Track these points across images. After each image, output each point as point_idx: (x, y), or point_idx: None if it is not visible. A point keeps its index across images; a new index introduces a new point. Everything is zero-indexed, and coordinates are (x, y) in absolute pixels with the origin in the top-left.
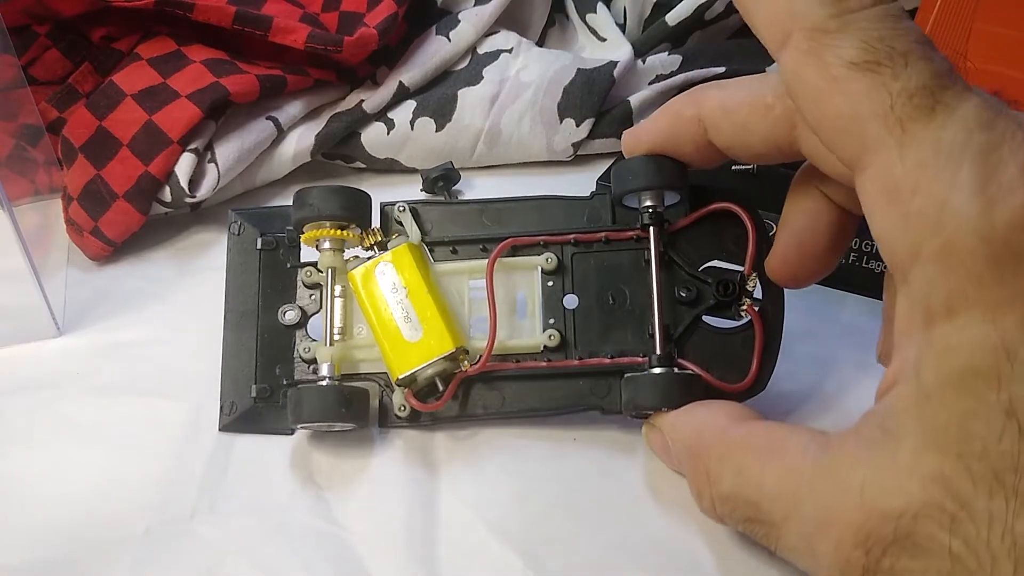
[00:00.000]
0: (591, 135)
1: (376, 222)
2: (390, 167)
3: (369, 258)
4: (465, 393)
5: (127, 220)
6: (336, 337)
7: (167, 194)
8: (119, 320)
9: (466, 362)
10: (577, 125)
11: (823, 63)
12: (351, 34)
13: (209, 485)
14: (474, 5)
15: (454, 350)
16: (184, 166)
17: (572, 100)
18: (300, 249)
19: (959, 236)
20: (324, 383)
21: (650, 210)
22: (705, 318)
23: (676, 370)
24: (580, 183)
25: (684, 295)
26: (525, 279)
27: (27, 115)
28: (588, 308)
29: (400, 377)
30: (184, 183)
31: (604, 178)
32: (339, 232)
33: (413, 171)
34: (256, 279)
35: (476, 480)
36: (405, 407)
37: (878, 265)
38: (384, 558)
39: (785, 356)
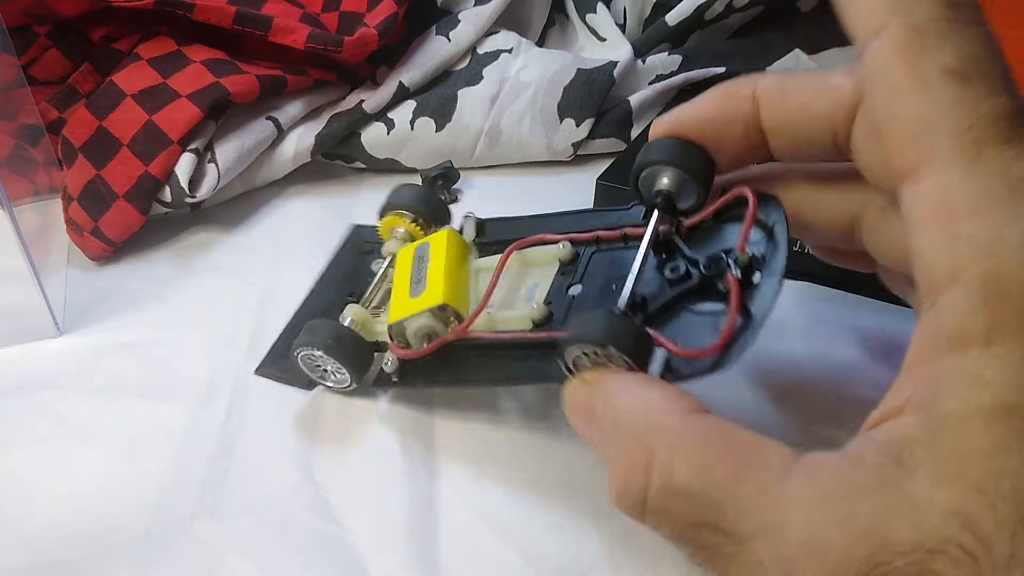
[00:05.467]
0: (591, 135)
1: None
2: (390, 167)
3: None
4: (450, 357)
5: (127, 220)
6: (370, 306)
7: (167, 194)
8: (119, 320)
9: (455, 325)
10: (577, 125)
11: (916, 62)
12: (351, 34)
13: (209, 485)
14: (474, 5)
15: (441, 303)
16: (184, 166)
17: (572, 100)
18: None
19: (1011, 267)
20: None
21: (663, 192)
22: (697, 307)
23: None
24: (580, 183)
25: (671, 274)
26: (542, 271)
27: (27, 115)
28: (588, 295)
29: (390, 324)
30: (184, 183)
31: (604, 177)
32: (411, 224)
33: (413, 171)
34: (343, 271)
35: (476, 480)
36: (391, 361)
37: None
38: (384, 558)
39: (785, 356)
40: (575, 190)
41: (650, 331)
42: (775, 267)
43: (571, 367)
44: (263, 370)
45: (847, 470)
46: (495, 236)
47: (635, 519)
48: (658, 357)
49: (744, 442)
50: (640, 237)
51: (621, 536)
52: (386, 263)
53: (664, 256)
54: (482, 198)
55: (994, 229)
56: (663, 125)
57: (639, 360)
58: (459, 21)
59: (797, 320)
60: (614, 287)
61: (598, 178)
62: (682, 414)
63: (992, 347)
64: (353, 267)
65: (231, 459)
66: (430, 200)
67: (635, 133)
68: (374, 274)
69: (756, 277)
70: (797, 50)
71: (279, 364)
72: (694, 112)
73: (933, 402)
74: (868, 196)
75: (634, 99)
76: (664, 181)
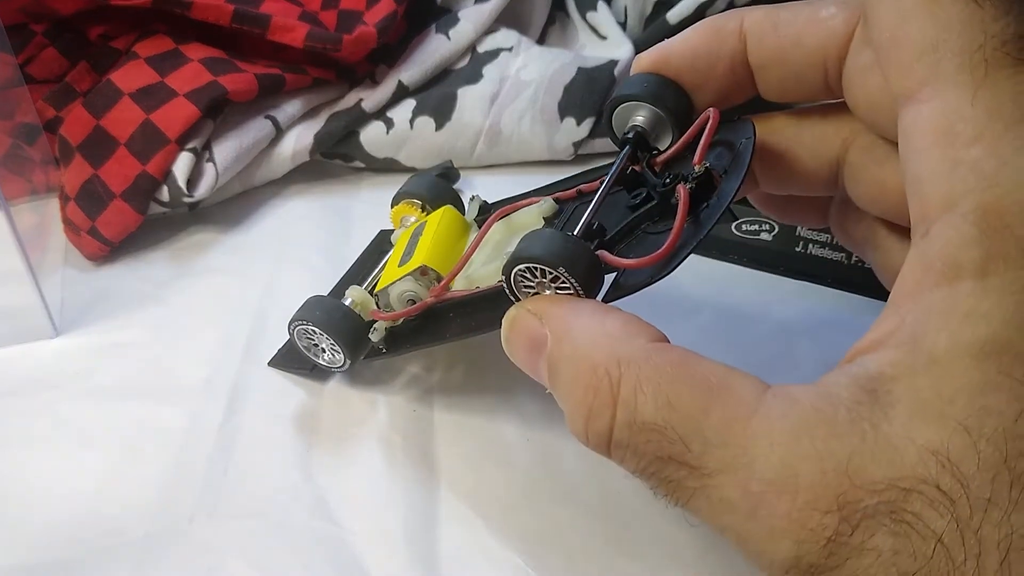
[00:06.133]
0: (592, 134)
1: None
2: (389, 166)
3: None
4: (431, 320)
5: (125, 220)
6: (370, 288)
7: (165, 194)
8: (116, 321)
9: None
10: (578, 124)
11: None
12: (350, 32)
13: (208, 486)
14: (474, 3)
15: (422, 266)
16: (182, 165)
17: (573, 99)
18: None
19: (1012, 198)
20: None
21: (636, 128)
22: (654, 228)
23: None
24: None
25: (634, 201)
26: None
27: (24, 114)
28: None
29: (376, 292)
30: (182, 183)
31: None
32: (420, 213)
33: (412, 170)
34: (366, 267)
35: (476, 480)
36: (377, 330)
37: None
38: (384, 558)
39: (785, 356)
40: None
41: (602, 252)
42: (735, 174)
43: (516, 294)
44: (276, 361)
45: (819, 404)
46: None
47: (599, 452)
48: (605, 283)
49: (711, 374)
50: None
51: (620, 536)
52: (389, 252)
53: (635, 193)
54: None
55: (998, 157)
56: (646, 59)
57: (588, 285)
58: (459, 19)
59: (797, 320)
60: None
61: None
62: (645, 344)
63: (988, 279)
64: (372, 263)
65: (230, 460)
66: (442, 188)
67: None
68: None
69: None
70: None
71: (290, 356)
72: (679, 48)
73: (919, 337)
74: (854, 135)
75: None
76: (639, 118)
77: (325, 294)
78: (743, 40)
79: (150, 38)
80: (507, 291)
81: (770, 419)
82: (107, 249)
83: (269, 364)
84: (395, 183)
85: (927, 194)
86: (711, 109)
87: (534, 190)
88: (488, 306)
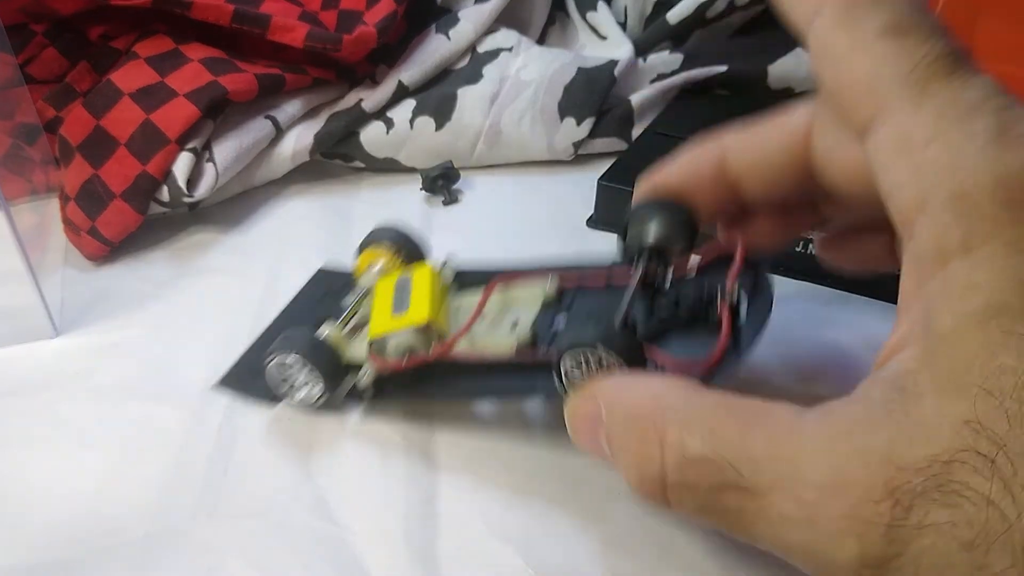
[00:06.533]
0: (592, 134)
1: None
2: (389, 166)
3: None
4: (427, 374)
5: (125, 220)
6: (343, 331)
7: (165, 194)
8: (117, 321)
9: (437, 345)
10: (578, 124)
11: (853, 29)
12: (350, 32)
13: (208, 486)
14: (474, 3)
15: (425, 323)
16: (182, 165)
17: (573, 99)
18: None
19: (974, 179)
20: None
21: (651, 247)
22: (685, 336)
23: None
24: (580, 183)
25: (660, 311)
26: (525, 308)
27: (24, 114)
28: (572, 327)
29: (372, 339)
30: (182, 183)
31: (605, 177)
32: (391, 259)
33: (412, 170)
34: (313, 306)
35: (476, 480)
36: (368, 374)
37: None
38: (384, 558)
39: (785, 356)
40: (576, 190)
41: (651, 348)
42: (762, 308)
43: (565, 383)
44: (227, 382)
45: (854, 408)
46: (471, 281)
47: (659, 505)
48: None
49: (750, 404)
50: (625, 284)
51: (620, 537)
52: (362, 293)
53: (652, 299)
54: (482, 198)
55: (952, 149)
56: (642, 189)
57: (633, 365)
58: (459, 19)
59: (798, 320)
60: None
61: (599, 178)
62: (686, 393)
63: (971, 253)
64: (320, 302)
65: (230, 460)
66: (410, 237)
67: (636, 132)
68: (345, 307)
69: (740, 318)
70: (798, 49)
71: (243, 381)
72: (666, 176)
73: (927, 325)
74: (820, 120)
75: (635, 98)
76: (650, 239)
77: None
78: (722, 155)
79: (150, 38)
80: (555, 375)
81: (811, 430)
82: (107, 249)
83: (218, 384)
84: (395, 183)
85: (902, 200)
86: (739, 240)
87: (533, 267)
88: (500, 373)
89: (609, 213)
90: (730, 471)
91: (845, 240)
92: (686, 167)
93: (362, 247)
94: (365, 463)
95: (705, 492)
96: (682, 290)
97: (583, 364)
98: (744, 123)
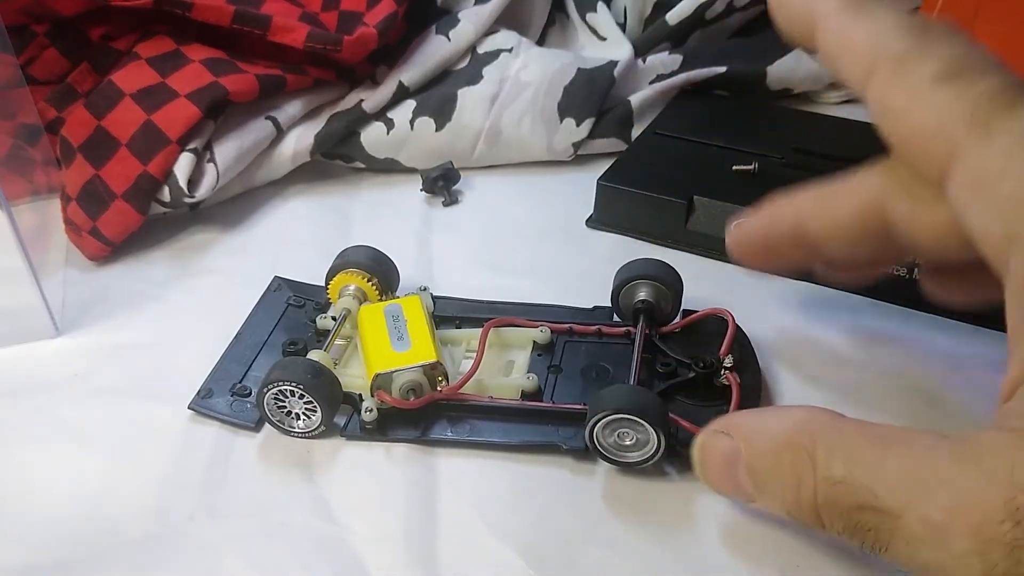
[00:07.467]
0: (591, 135)
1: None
2: (390, 167)
3: None
4: (434, 416)
5: (126, 220)
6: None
7: (166, 194)
8: (118, 321)
9: (444, 385)
10: (577, 125)
11: (908, 83)
12: (351, 33)
13: (208, 487)
14: (474, 4)
15: (435, 362)
16: (183, 166)
17: (572, 100)
18: (325, 312)
19: None
20: None
21: (644, 303)
22: (688, 400)
23: None
24: (580, 183)
25: (662, 369)
26: (518, 351)
27: (25, 114)
28: (570, 376)
29: (378, 373)
30: (183, 183)
31: (604, 177)
32: (364, 282)
33: (413, 171)
34: (275, 321)
35: (476, 480)
36: (373, 409)
37: (892, 268)
38: (384, 558)
39: (785, 356)
40: (575, 190)
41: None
42: (753, 368)
43: (598, 443)
44: (200, 405)
45: (986, 436)
46: (445, 311)
47: (813, 525)
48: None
49: (889, 430)
50: (614, 335)
51: (620, 537)
52: (340, 319)
53: (647, 355)
54: (482, 198)
55: None
56: (731, 247)
57: (666, 430)
58: (459, 20)
59: (798, 320)
60: (594, 374)
61: (599, 178)
62: (830, 420)
63: None
64: (283, 316)
65: (230, 460)
66: (383, 261)
67: (635, 133)
68: (315, 327)
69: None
70: (798, 49)
71: (217, 405)
72: (749, 229)
73: None
74: (894, 184)
75: (635, 99)
76: (642, 294)
77: (232, 339)
78: (798, 214)
79: (151, 39)
80: (587, 437)
81: (944, 456)
82: (108, 249)
83: (190, 407)
84: (395, 184)
85: (991, 238)
86: (727, 312)
87: (487, 302)
88: (513, 420)
89: (609, 213)
90: (867, 494)
91: (949, 277)
92: (767, 229)
93: (334, 270)
94: (365, 463)
95: (847, 510)
96: (672, 348)
97: (610, 428)
98: (814, 189)
